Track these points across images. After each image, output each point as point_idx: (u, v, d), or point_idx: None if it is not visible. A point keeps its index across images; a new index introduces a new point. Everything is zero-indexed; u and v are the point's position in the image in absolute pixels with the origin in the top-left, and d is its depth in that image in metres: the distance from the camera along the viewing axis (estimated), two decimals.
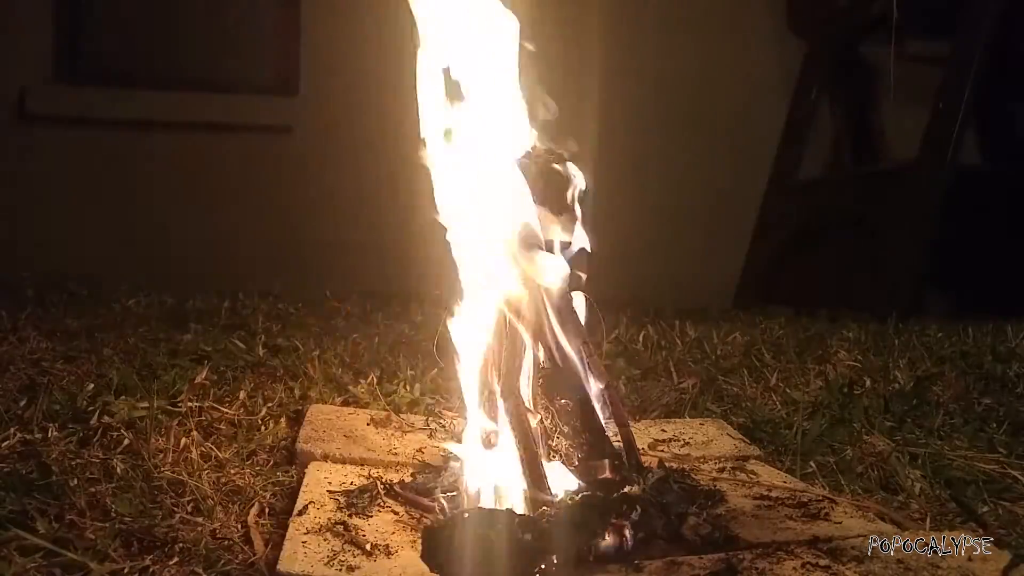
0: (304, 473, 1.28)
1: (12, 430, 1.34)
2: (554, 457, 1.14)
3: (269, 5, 4.22)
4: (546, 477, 1.08)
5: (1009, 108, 3.65)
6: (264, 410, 1.62)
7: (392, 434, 1.50)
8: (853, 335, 2.54)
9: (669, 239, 4.13)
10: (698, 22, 4.22)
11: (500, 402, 1.13)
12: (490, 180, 1.18)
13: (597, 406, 1.17)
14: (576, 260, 1.24)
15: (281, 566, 0.95)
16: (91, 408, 1.47)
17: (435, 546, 0.92)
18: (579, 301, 1.22)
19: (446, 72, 1.21)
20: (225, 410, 1.58)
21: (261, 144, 4.03)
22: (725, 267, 4.23)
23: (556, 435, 1.15)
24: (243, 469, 1.31)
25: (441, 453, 1.36)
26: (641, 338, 2.44)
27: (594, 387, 1.17)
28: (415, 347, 2.22)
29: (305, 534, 1.04)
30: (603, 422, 1.17)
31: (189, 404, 1.55)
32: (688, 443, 1.51)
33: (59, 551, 0.96)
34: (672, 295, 3.64)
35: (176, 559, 0.98)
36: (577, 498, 1.07)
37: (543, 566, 0.95)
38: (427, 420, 1.59)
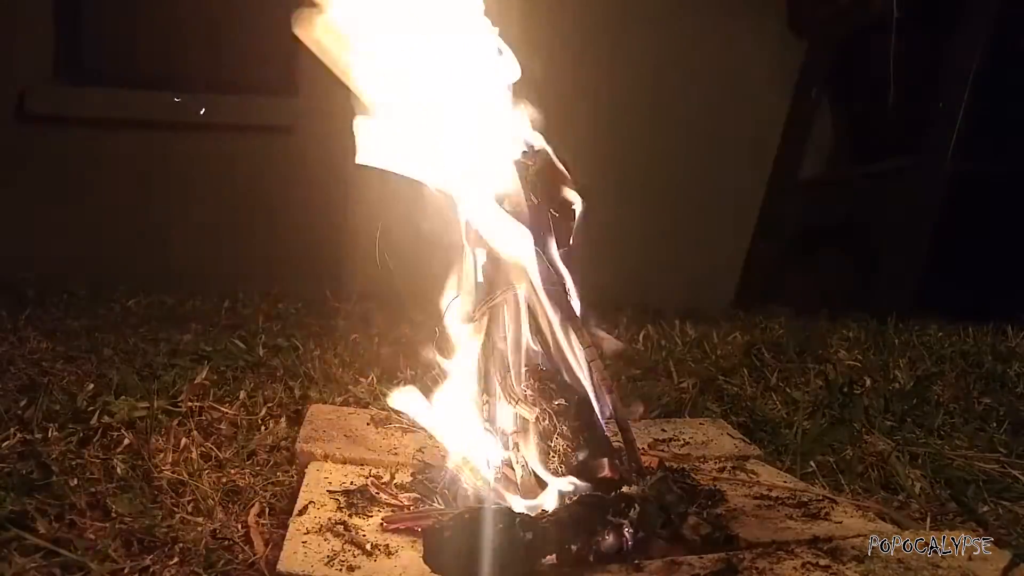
0: (304, 473, 1.28)
1: (12, 430, 1.34)
2: (553, 457, 1.14)
3: (269, 5, 4.21)
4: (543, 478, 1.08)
5: (1009, 108, 3.64)
6: (264, 410, 1.62)
7: (392, 434, 1.50)
8: (853, 335, 2.54)
9: (669, 239, 4.12)
10: (697, 21, 4.22)
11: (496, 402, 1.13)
12: (491, 183, 1.18)
13: (597, 406, 1.17)
14: (575, 260, 1.24)
15: (281, 566, 0.95)
16: (91, 408, 1.47)
17: (435, 546, 0.92)
18: (577, 300, 1.22)
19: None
20: (225, 410, 1.58)
21: (261, 144, 4.02)
22: (725, 267, 4.22)
23: (555, 435, 1.15)
24: (243, 469, 1.32)
25: (441, 453, 1.36)
26: (641, 338, 2.44)
27: (593, 387, 1.17)
28: (415, 347, 2.22)
29: (305, 534, 1.04)
30: (603, 422, 1.17)
31: (189, 404, 1.55)
32: (688, 443, 1.51)
33: (59, 551, 0.96)
34: (672, 295, 3.64)
35: (176, 559, 0.98)
36: (576, 497, 1.07)
37: (543, 565, 0.95)
38: None
